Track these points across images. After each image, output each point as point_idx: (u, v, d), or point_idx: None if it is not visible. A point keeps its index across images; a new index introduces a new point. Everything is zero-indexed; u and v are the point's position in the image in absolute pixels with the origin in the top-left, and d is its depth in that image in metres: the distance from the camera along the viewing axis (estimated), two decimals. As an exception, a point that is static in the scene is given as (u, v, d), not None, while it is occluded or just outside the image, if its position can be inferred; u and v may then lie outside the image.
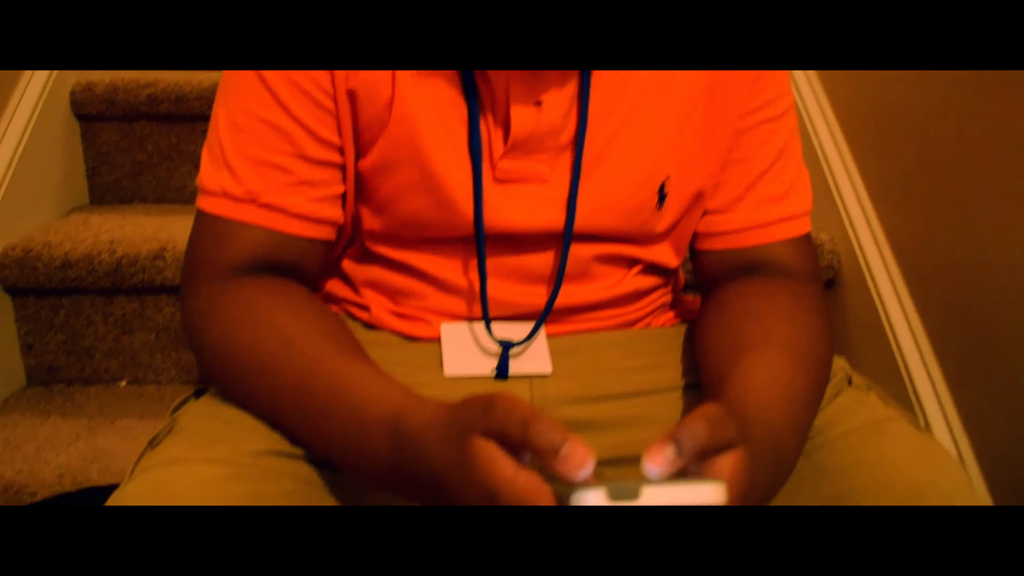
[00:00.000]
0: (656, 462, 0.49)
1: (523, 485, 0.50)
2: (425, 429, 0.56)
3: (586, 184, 0.77)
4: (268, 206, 0.74)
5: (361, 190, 0.80)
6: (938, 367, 1.19)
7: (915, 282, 1.26)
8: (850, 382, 0.78)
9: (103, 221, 1.51)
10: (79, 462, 1.16)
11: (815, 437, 0.71)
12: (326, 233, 0.78)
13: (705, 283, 0.88)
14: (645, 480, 0.47)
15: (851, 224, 1.39)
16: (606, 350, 0.84)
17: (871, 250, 1.35)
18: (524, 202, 0.77)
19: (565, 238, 0.79)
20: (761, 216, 0.83)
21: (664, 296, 0.92)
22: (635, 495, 0.46)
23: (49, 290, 1.38)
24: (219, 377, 0.71)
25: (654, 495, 0.46)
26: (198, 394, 0.76)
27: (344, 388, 0.63)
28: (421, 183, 0.76)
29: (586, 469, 0.49)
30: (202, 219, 0.76)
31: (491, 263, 0.80)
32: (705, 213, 0.85)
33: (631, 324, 0.88)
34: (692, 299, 0.98)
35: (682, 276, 0.99)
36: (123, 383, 1.44)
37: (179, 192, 1.72)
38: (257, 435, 0.66)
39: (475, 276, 0.81)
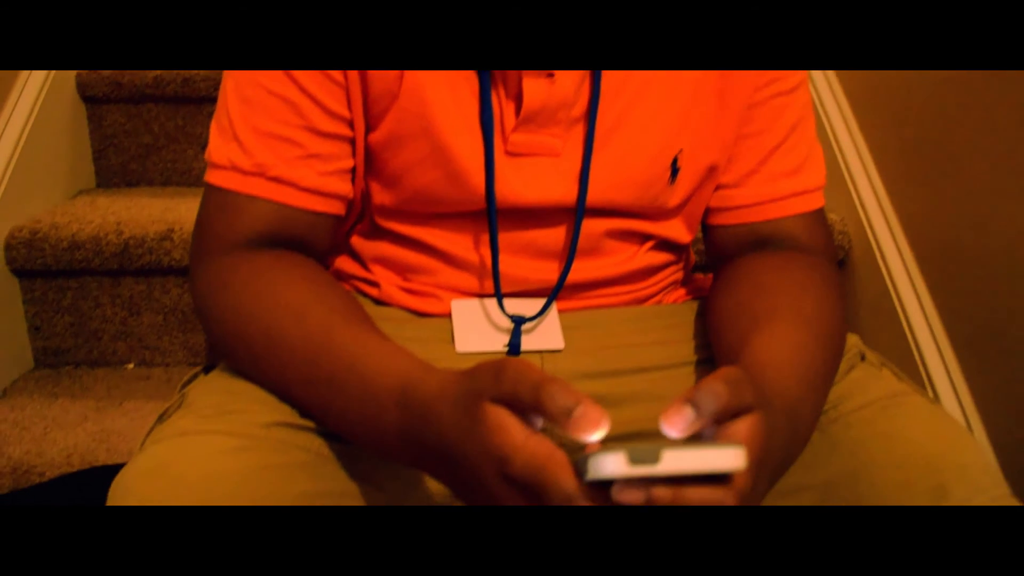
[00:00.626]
0: (674, 424, 0.48)
1: (534, 450, 0.49)
2: (435, 397, 0.55)
3: (598, 158, 0.77)
4: (277, 179, 0.74)
5: (371, 164, 0.79)
6: (949, 345, 1.18)
7: (926, 261, 1.25)
8: (863, 358, 0.78)
9: (110, 203, 1.50)
10: (87, 442, 1.16)
11: (829, 411, 0.70)
12: (335, 208, 0.78)
13: (717, 259, 0.88)
14: (664, 444, 0.46)
15: (861, 204, 1.39)
16: (618, 326, 0.83)
17: (882, 230, 1.34)
18: (536, 176, 0.77)
19: (577, 212, 0.78)
20: (774, 190, 0.82)
21: (675, 273, 0.91)
22: (655, 459, 0.45)
23: (56, 272, 1.38)
24: (228, 351, 0.70)
25: (674, 459, 0.45)
26: (207, 370, 0.76)
27: (353, 359, 0.63)
28: (432, 156, 0.75)
29: (600, 430, 0.48)
30: (211, 193, 0.76)
31: (502, 238, 0.79)
32: (718, 188, 0.84)
33: (642, 301, 0.88)
34: (703, 277, 0.97)
35: (692, 256, 0.98)
36: (130, 365, 1.44)
37: (186, 175, 1.71)
38: (267, 408, 0.65)
39: (486, 252, 0.81)
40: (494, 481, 0.50)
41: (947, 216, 1.20)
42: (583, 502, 0.47)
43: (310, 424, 0.66)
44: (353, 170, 0.78)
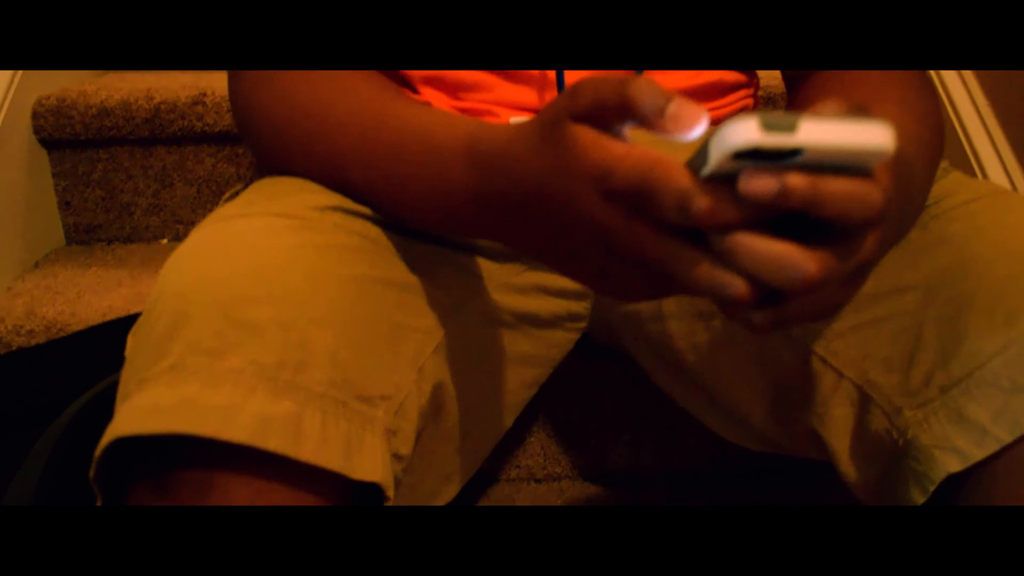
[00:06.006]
0: None
1: (640, 155, 0.43)
2: (509, 142, 0.49)
3: (671, -52, 0.70)
4: None
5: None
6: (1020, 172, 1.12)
7: (1000, 106, 1.18)
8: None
9: (139, 76, 1.45)
10: (123, 304, 1.12)
11: (930, 207, 0.64)
12: (384, 13, 0.72)
13: (794, 80, 0.81)
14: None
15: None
16: (686, 145, 0.77)
17: (951, 78, 1.26)
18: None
19: None
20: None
21: (746, 99, 0.85)
22: (792, 128, 0.39)
23: (86, 141, 1.33)
24: (276, 144, 0.65)
25: (814, 129, 0.39)
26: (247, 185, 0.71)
27: (414, 124, 0.57)
28: None
29: (700, 126, 0.42)
30: None
31: (564, 46, 0.73)
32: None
33: (712, 124, 0.82)
34: (771, 113, 0.91)
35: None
36: (164, 241, 1.39)
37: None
38: (321, 194, 0.60)
39: (546, 61, 0.75)
40: (594, 205, 0.45)
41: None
42: (700, 200, 0.41)
43: (366, 211, 0.60)
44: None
